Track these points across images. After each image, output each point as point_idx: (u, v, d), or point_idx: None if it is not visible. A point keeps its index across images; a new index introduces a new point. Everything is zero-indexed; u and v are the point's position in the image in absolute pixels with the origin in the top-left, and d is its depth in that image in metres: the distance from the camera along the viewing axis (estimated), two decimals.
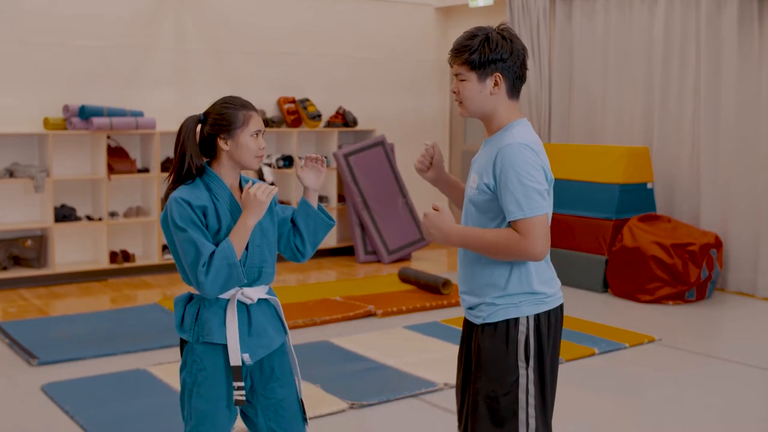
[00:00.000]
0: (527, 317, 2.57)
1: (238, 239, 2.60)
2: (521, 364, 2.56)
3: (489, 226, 2.59)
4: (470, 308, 2.66)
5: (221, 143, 2.66)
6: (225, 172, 2.70)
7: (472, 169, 2.66)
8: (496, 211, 2.55)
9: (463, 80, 2.58)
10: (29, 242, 7.33)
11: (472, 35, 2.57)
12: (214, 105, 2.71)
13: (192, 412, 2.69)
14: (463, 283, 2.68)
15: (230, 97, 2.73)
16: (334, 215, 8.83)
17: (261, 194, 2.60)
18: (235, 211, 2.68)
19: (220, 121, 2.66)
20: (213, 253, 2.56)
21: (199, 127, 2.71)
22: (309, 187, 2.85)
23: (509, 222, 2.50)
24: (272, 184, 7.75)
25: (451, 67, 2.62)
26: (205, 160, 2.71)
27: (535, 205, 2.47)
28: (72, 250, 7.66)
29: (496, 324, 2.58)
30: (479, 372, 2.60)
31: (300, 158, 7.20)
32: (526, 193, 2.46)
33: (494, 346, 2.57)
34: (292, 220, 2.85)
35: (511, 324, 2.57)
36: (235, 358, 2.64)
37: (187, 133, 2.67)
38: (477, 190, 2.58)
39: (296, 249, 2.84)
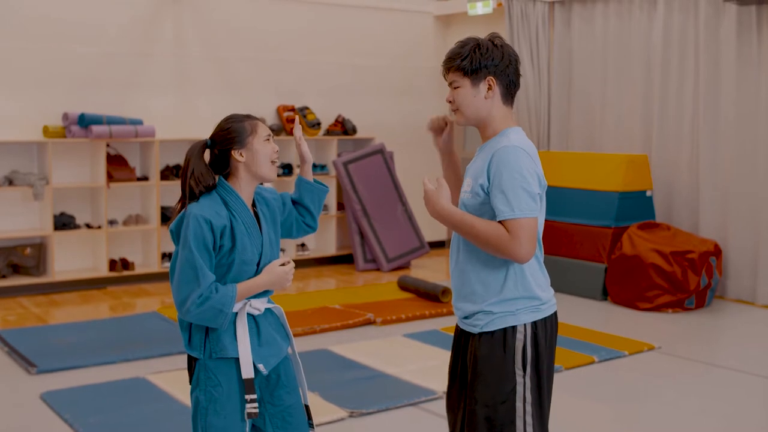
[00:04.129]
0: (525, 325, 2.57)
1: (243, 292, 2.63)
2: (518, 371, 2.56)
3: None
4: (465, 317, 2.66)
5: (236, 155, 2.65)
6: (242, 186, 2.69)
7: (467, 174, 2.68)
8: (490, 215, 2.55)
9: (457, 87, 2.63)
10: (28, 250, 7.33)
11: (463, 44, 2.63)
12: (217, 126, 2.72)
13: (208, 429, 2.67)
14: (457, 291, 2.68)
15: (230, 115, 2.75)
16: (333, 223, 8.87)
17: (290, 278, 2.70)
18: (252, 230, 2.67)
19: (227, 135, 2.66)
20: (216, 288, 2.55)
21: (207, 152, 2.70)
22: (307, 160, 2.93)
23: (498, 221, 2.50)
24: None
25: (445, 78, 2.66)
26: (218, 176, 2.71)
27: (525, 207, 2.48)
28: (71, 258, 7.66)
29: (493, 332, 2.58)
30: (476, 381, 2.59)
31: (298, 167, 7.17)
32: (517, 194, 2.48)
33: (491, 354, 2.57)
34: (294, 202, 2.92)
35: (509, 332, 2.57)
36: (248, 370, 2.64)
37: (194, 153, 2.67)
38: (471, 193, 2.60)
39: (307, 225, 2.95)
